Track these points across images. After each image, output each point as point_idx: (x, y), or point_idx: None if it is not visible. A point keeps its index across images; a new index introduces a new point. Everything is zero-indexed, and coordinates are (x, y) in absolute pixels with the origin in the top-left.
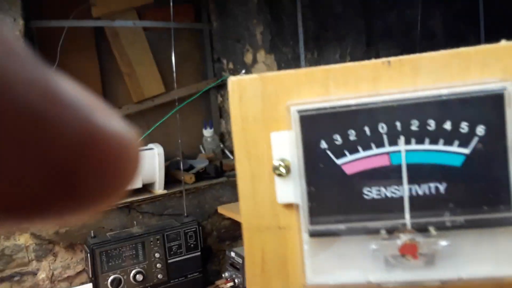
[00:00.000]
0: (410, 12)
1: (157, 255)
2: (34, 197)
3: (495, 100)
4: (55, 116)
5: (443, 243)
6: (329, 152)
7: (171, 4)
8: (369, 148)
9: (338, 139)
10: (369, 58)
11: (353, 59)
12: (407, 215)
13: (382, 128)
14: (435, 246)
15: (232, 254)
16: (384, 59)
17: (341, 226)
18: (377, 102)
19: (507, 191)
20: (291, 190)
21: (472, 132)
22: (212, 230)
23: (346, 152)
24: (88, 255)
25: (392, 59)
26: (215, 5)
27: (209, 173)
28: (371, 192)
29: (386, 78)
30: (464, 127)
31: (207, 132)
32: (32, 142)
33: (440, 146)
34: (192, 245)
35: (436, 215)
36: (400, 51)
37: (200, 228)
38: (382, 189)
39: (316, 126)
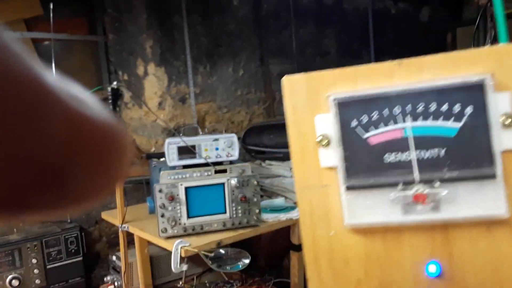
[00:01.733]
0: (304, 31)
1: (34, 261)
2: (23, 192)
3: (478, 87)
4: (46, 110)
5: (444, 192)
6: (358, 128)
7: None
8: (387, 125)
9: (364, 118)
10: (262, 72)
11: (246, 72)
12: (416, 172)
13: (397, 110)
14: (438, 195)
15: (114, 258)
16: (396, 61)
17: (369, 181)
18: (392, 91)
19: (489, 153)
20: (331, 156)
21: (462, 111)
22: (100, 236)
23: (370, 128)
24: None
25: (403, 60)
26: (110, 19)
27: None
28: (390, 157)
29: (398, 74)
30: (457, 107)
31: None
32: (20, 136)
33: (440, 122)
34: (73, 251)
35: (438, 171)
36: (292, 66)
37: (83, 234)
38: (398, 154)
39: (348, 110)
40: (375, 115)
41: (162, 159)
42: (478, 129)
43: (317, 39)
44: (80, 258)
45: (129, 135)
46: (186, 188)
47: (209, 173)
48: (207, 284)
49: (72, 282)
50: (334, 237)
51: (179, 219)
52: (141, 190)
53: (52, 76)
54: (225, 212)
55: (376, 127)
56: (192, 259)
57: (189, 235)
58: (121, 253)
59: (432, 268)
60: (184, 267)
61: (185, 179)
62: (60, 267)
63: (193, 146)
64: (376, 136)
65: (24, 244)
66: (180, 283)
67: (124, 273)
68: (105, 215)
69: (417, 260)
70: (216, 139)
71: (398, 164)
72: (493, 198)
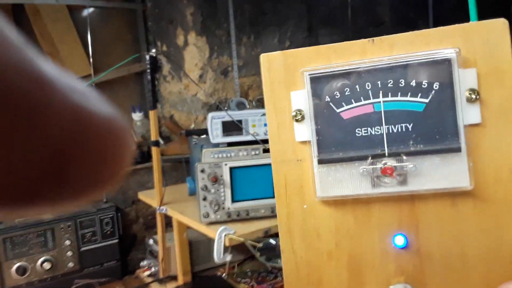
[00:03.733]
0: None
1: (67, 242)
2: (26, 185)
3: (445, 63)
4: (46, 103)
5: (411, 165)
6: (331, 104)
7: None
8: (359, 100)
9: (337, 94)
10: (310, 44)
11: (293, 44)
12: (385, 146)
13: (368, 85)
14: (405, 168)
15: (151, 242)
16: (369, 39)
17: (340, 155)
18: (364, 67)
19: (454, 128)
20: (305, 131)
21: (430, 87)
22: (137, 217)
23: (343, 103)
24: None
25: (375, 38)
26: None
27: (134, 158)
28: (361, 131)
29: (371, 52)
30: (424, 83)
31: (136, 116)
32: (24, 129)
33: (408, 98)
34: (109, 232)
35: (405, 145)
36: (343, 38)
37: (119, 214)
38: (368, 129)
39: (322, 85)
40: (347, 91)
41: (203, 136)
42: (444, 105)
43: (370, 7)
44: (116, 240)
45: (131, 130)
46: (231, 169)
47: (257, 152)
48: (249, 273)
49: (107, 266)
50: (307, 210)
51: (223, 203)
52: (180, 169)
53: (52, 67)
54: (273, 197)
55: (348, 103)
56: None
57: (233, 221)
58: (158, 238)
59: (399, 240)
60: (228, 257)
61: (230, 158)
62: (95, 250)
63: (240, 121)
64: (348, 111)
65: (57, 224)
66: (221, 272)
67: (162, 260)
68: (142, 196)
69: (385, 232)
70: (265, 114)
71: (368, 138)
72: (458, 171)
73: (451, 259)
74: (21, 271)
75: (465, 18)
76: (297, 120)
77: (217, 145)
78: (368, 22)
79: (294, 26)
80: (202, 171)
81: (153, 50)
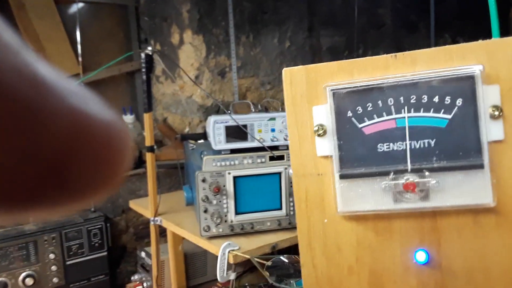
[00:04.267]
0: None
1: (51, 256)
2: (25, 189)
3: (469, 79)
4: (44, 107)
5: (434, 181)
6: (353, 119)
7: None
8: (381, 115)
9: (359, 109)
10: (310, 44)
11: (293, 45)
12: (408, 162)
13: (390, 101)
14: (428, 184)
15: (143, 254)
16: (392, 54)
17: (362, 170)
18: (387, 82)
19: (478, 144)
20: (327, 146)
21: (453, 103)
22: (127, 227)
23: (365, 119)
24: None
25: (397, 54)
26: None
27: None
28: (383, 147)
29: (394, 67)
30: (447, 99)
31: (127, 119)
32: (22, 133)
33: (431, 113)
34: (97, 245)
35: (428, 161)
36: (345, 39)
37: (108, 225)
38: (391, 144)
39: (344, 100)
40: (369, 106)
41: (200, 141)
42: (467, 121)
43: (372, 8)
44: (105, 253)
45: (130, 134)
46: (235, 178)
47: (263, 159)
48: (248, 287)
49: (95, 281)
50: (328, 224)
51: (226, 216)
52: (174, 176)
53: (49, 71)
54: (280, 208)
55: (370, 118)
56: None
57: (236, 235)
58: (152, 251)
59: (421, 256)
60: (232, 275)
61: (234, 166)
62: (82, 263)
63: (245, 126)
64: (370, 126)
65: (40, 236)
66: (218, 286)
67: (156, 277)
68: (134, 204)
69: (406, 248)
70: (273, 118)
71: (390, 153)
72: (480, 188)
73: (474, 274)
74: (1, 287)
75: (468, 21)
76: (319, 135)
77: (218, 151)
78: (369, 24)
79: (294, 25)
80: (203, 180)
81: (149, 48)
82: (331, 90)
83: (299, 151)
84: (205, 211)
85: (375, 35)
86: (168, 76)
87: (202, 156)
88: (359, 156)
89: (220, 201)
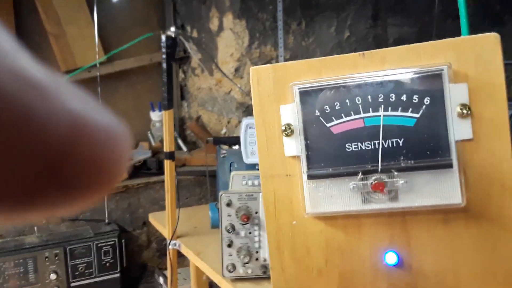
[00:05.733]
0: None
1: (53, 276)
2: (22, 190)
3: (436, 78)
4: (41, 109)
5: (402, 181)
6: (321, 118)
7: None
8: (349, 114)
9: (327, 108)
10: (374, 35)
11: (353, 35)
12: (376, 161)
13: (358, 100)
14: (396, 184)
15: (161, 280)
16: (360, 52)
17: (330, 171)
18: (354, 81)
19: (446, 143)
20: (295, 146)
21: (421, 102)
22: (149, 241)
23: (333, 118)
24: None
25: (365, 52)
26: None
27: (149, 168)
28: (351, 146)
29: (362, 65)
30: (415, 98)
31: (155, 115)
32: (19, 135)
33: (399, 112)
34: (108, 264)
35: (396, 161)
36: (416, 30)
37: (123, 241)
38: (359, 144)
39: (312, 99)
40: (337, 105)
41: (235, 148)
42: (435, 120)
43: None
44: (117, 275)
45: (130, 137)
46: None
47: None
48: None
49: None
50: (297, 226)
51: (257, 252)
52: (205, 185)
53: (46, 74)
54: None
55: (338, 117)
56: None
57: (270, 278)
58: (168, 281)
59: (391, 257)
60: None
61: None
62: (89, 286)
63: None
64: (338, 125)
65: (41, 252)
66: None
67: None
68: (153, 218)
69: (376, 250)
70: None
71: (358, 153)
72: (449, 187)
73: (444, 275)
74: None
75: None
76: (286, 135)
77: (252, 166)
78: (445, 14)
79: (355, 12)
80: (229, 204)
81: (172, 29)
82: (298, 89)
83: (267, 152)
84: (230, 245)
85: (452, 26)
86: (205, 67)
87: (231, 169)
88: (327, 156)
89: (250, 233)
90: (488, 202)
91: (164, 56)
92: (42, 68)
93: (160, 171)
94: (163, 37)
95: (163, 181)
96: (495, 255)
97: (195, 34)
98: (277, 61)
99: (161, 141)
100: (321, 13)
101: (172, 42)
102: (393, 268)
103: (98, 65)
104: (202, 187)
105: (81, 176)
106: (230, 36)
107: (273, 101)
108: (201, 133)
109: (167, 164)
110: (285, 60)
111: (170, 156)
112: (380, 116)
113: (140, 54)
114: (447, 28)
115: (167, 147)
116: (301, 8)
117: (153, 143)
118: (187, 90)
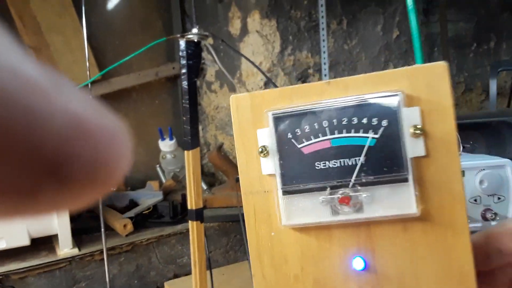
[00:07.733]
0: None
1: None
2: (19, 189)
3: (392, 103)
4: (41, 107)
5: (365, 195)
6: (293, 140)
7: None
8: (318, 136)
9: (298, 131)
10: (427, 32)
11: (403, 34)
12: (342, 177)
13: (325, 123)
14: (360, 197)
15: None
16: (325, 81)
17: (302, 187)
18: (321, 107)
19: (401, 160)
20: (271, 165)
21: (379, 124)
22: None
23: (304, 140)
24: None
25: (331, 81)
26: None
27: (161, 215)
28: (320, 165)
29: (328, 93)
30: (374, 121)
31: (165, 145)
32: (16, 133)
33: (360, 134)
34: None
35: (359, 176)
36: (472, 25)
37: None
38: (326, 162)
39: (284, 123)
40: (306, 128)
41: None
42: (393, 139)
43: None
44: None
45: (130, 139)
46: None
47: None
48: None
49: None
50: (275, 237)
51: None
52: (234, 234)
53: (43, 72)
54: None
55: (308, 139)
56: None
57: None
58: None
59: (358, 263)
60: None
61: None
62: None
63: None
64: (308, 146)
65: None
66: None
67: None
68: (170, 286)
69: (345, 256)
70: None
71: (326, 170)
72: (406, 199)
73: (406, 279)
74: None
75: None
76: (263, 155)
77: None
78: (502, 6)
79: (403, 7)
80: None
81: (194, 30)
82: (272, 114)
83: (247, 171)
84: None
85: (509, 19)
86: (225, 81)
87: None
88: (299, 174)
89: None
90: (441, 211)
91: (184, 70)
92: (41, 67)
93: (174, 220)
94: (182, 43)
95: (180, 233)
96: (450, 258)
97: (210, 41)
98: (316, 70)
99: (174, 178)
100: (364, 8)
101: (195, 50)
102: (360, 272)
103: (90, 85)
104: (230, 235)
105: (82, 174)
106: (257, 41)
107: (251, 125)
108: (225, 166)
109: (193, 226)
110: (329, 67)
111: (198, 216)
112: (344, 137)
113: (143, 68)
114: (502, 20)
115: (192, 203)
116: (341, 3)
117: (163, 181)
118: (201, 109)
